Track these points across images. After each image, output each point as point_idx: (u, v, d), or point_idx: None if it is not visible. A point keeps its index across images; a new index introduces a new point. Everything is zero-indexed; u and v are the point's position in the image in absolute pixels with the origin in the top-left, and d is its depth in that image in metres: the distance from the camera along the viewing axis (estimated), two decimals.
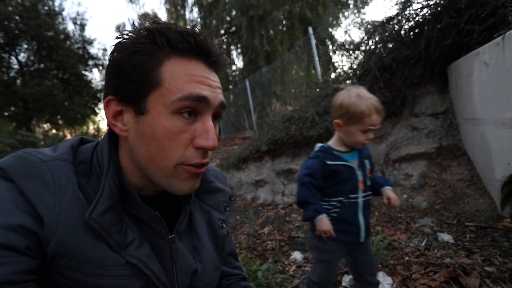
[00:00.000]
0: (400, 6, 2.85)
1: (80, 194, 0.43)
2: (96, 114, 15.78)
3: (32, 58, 12.86)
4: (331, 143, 1.18)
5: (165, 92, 0.43)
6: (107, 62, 0.47)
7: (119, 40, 0.45)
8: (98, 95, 14.58)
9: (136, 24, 0.45)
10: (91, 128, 22.38)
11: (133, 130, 0.45)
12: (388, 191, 1.19)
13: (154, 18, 0.47)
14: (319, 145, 1.20)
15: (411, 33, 2.73)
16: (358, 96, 1.06)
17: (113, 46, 0.45)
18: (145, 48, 0.43)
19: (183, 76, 0.43)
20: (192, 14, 11.45)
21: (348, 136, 1.11)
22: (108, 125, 0.48)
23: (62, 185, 0.42)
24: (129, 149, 0.47)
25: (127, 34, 0.44)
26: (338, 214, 1.13)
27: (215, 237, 0.59)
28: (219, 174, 0.66)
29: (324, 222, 1.06)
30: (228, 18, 10.46)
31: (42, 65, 13.17)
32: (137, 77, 0.43)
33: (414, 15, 2.71)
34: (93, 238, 0.42)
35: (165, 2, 11.76)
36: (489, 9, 1.97)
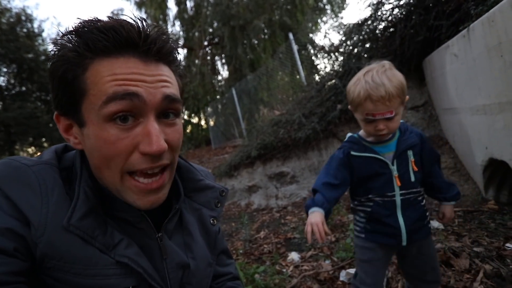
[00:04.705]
0: (373, 8, 2.99)
1: (67, 196, 0.44)
2: None
3: (12, 81, 12.59)
4: (362, 132, 1.00)
5: (92, 99, 0.39)
6: None
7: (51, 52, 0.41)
8: None
9: (61, 29, 0.40)
10: None
11: (83, 143, 0.45)
12: (446, 208, 1.02)
13: (78, 18, 0.40)
14: (348, 134, 1.05)
15: (385, 32, 2.85)
16: (359, 78, 0.89)
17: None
18: (67, 55, 0.39)
19: (106, 78, 0.39)
20: (175, 28, 11.55)
21: (361, 125, 0.95)
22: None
23: (48, 188, 0.42)
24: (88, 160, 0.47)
25: (54, 43, 0.40)
26: (369, 214, 0.98)
27: (206, 234, 0.59)
28: (208, 174, 0.67)
29: (314, 216, 0.86)
30: (210, 30, 10.61)
31: (23, 88, 12.89)
32: (64, 89, 0.41)
33: (388, 15, 2.84)
34: (81, 239, 0.42)
35: (147, 18, 11.81)
36: (453, 5, 2.10)
